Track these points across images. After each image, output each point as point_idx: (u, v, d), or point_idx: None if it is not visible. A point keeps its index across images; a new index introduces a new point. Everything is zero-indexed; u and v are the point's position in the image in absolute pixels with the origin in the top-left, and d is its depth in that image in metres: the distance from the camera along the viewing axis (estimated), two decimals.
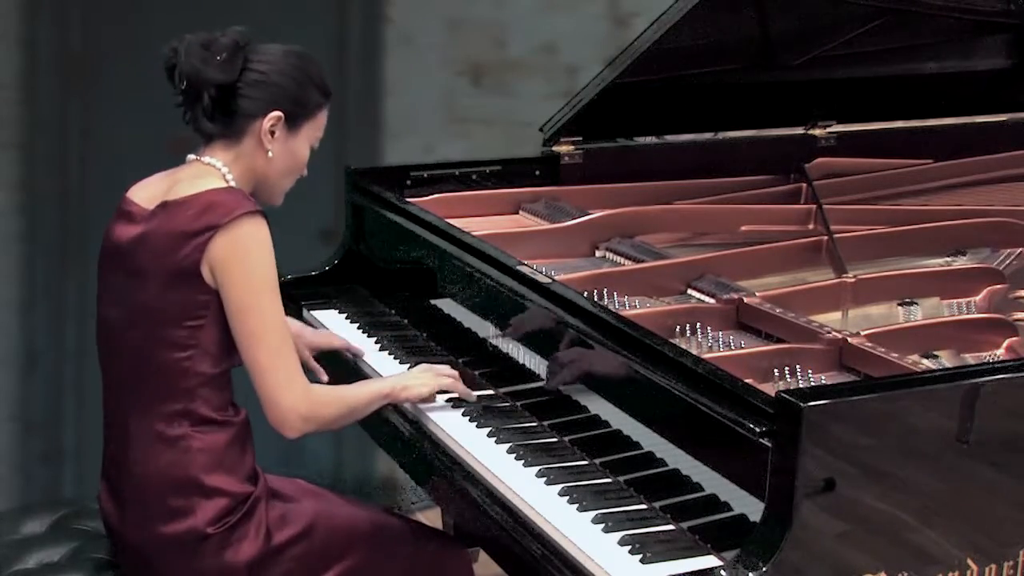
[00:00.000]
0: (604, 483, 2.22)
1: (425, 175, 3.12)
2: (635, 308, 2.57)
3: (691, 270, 2.73)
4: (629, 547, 2.02)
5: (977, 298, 2.78)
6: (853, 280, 2.71)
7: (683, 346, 2.26)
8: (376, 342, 2.81)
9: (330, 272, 3.09)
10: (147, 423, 2.28)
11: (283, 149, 2.37)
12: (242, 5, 3.57)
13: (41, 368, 3.65)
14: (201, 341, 2.26)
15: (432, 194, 3.05)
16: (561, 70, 4.03)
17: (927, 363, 2.38)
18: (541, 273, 2.49)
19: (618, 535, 2.05)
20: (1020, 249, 2.99)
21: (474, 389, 2.53)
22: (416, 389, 2.47)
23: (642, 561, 1.99)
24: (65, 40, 3.57)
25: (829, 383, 2.28)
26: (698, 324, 2.51)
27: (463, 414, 2.47)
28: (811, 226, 3.10)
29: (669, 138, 3.38)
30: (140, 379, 2.29)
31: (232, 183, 2.33)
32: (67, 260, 3.61)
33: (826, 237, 2.93)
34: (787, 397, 1.87)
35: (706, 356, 2.24)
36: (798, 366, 2.32)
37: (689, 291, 2.70)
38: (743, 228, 3.07)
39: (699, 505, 2.07)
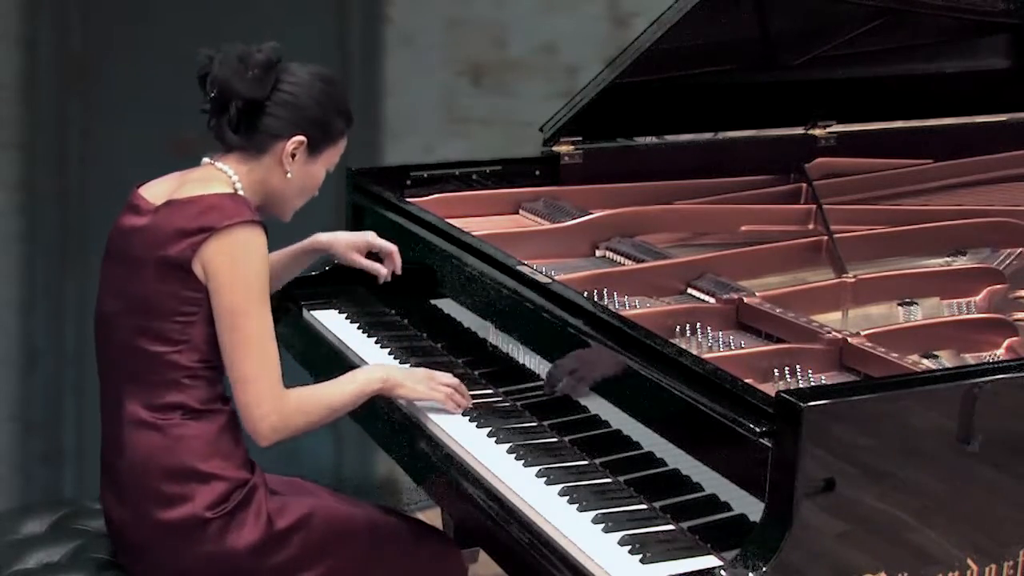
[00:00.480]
0: (604, 483, 2.22)
1: (425, 175, 3.12)
2: (635, 308, 2.57)
3: (691, 270, 2.73)
4: (629, 547, 2.02)
5: (977, 298, 2.78)
6: (853, 280, 2.71)
7: (683, 346, 2.26)
8: (376, 342, 2.81)
9: (330, 272, 3.09)
10: (139, 412, 2.30)
11: (301, 171, 2.40)
12: (243, 5, 3.58)
13: (41, 368, 3.65)
14: (192, 337, 2.28)
15: (432, 194, 3.05)
16: (561, 70, 4.03)
17: (927, 363, 2.38)
18: (541, 273, 2.49)
19: (618, 535, 2.05)
20: (1020, 249, 2.99)
21: (473, 389, 2.53)
22: (408, 391, 2.46)
23: (642, 561, 1.99)
24: (65, 40, 3.57)
25: (829, 383, 2.28)
26: (698, 324, 2.51)
27: (463, 414, 2.47)
28: (811, 226, 3.10)
29: (669, 138, 3.38)
30: (132, 369, 2.32)
31: (240, 192, 2.34)
32: (67, 260, 3.61)
33: (826, 237, 2.93)
34: (787, 397, 1.87)
35: (706, 356, 2.24)
36: (798, 366, 2.32)
37: (689, 291, 2.70)
38: (743, 228, 3.07)
39: (699, 505, 2.07)
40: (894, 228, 3.04)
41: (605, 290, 2.62)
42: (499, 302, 2.55)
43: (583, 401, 2.35)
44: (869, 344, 2.35)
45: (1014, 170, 3.48)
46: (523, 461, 2.29)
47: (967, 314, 2.71)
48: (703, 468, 2.06)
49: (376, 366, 2.58)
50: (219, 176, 2.35)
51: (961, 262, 2.95)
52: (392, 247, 2.76)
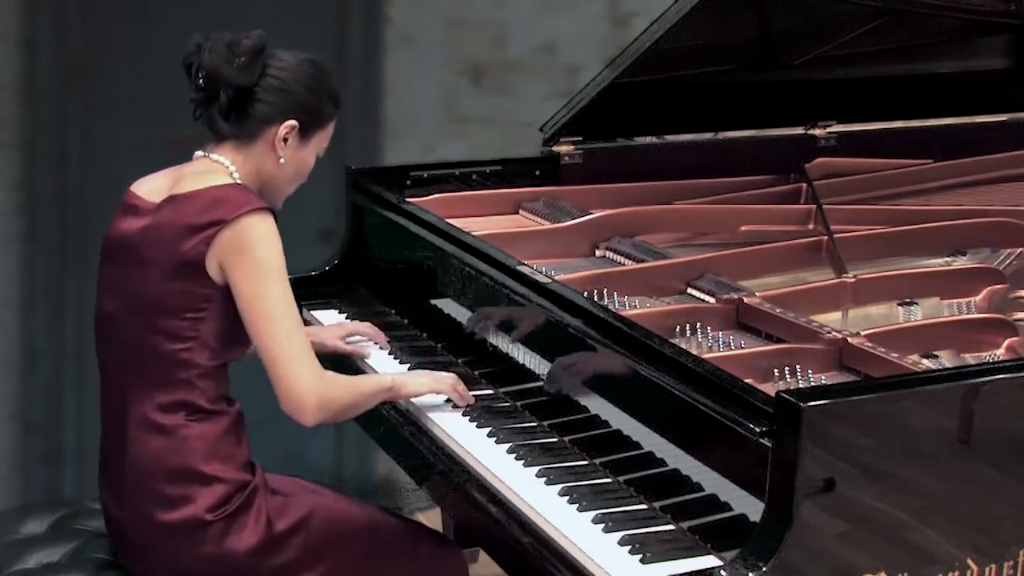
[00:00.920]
0: (604, 483, 2.22)
1: (425, 175, 3.12)
2: (635, 308, 2.57)
3: (691, 270, 2.73)
4: (629, 547, 2.02)
5: (977, 298, 2.78)
6: (853, 280, 2.71)
7: (683, 346, 2.26)
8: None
9: (330, 272, 3.09)
10: (143, 411, 2.29)
11: (293, 156, 2.40)
12: (242, 5, 3.58)
13: (41, 368, 3.65)
14: (201, 333, 2.27)
15: (432, 194, 3.05)
16: (561, 70, 4.03)
17: (927, 363, 2.38)
18: (541, 273, 2.49)
19: (618, 535, 2.05)
20: (1020, 249, 2.99)
21: (473, 389, 2.53)
22: (414, 386, 2.48)
23: (642, 561, 1.99)
24: (65, 40, 3.57)
25: (829, 383, 2.28)
26: (698, 324, 2.51)
27: (463, 414, 2.47)
28: (811, 226, 3.10)
29: (669, 138, 3.38)
30: (138, 368, 2.31)
31: (239, 181, 2.35)
32: (67, 260, 3.61)
33: (826, 237, 2.93)
34: (787, 397, 1.87)
35: (706, 356, 2.24)
36: (798, 366, 2.32)
37: (689, 291, 2.70)
38: (743, 228, 3.07)
39: (699, 505, 2.07)
40: (894, 228, 3.04)
41: (605, 290, 2.62)
42: (499, 302, 2.55)
43: (583, 401, 2.35)
44: (869, 344, 2.35)
45: (1014, 170, 3.48)
46: (523, 461, 2.29)
47: (967, 314, 2.71)
48: (703, 468, 2.06)
49: (383, 373, 2.58)
50: (216, 168, 2.35)
51: (961, 262, 2.95)
52: (374, 331, 2.78)
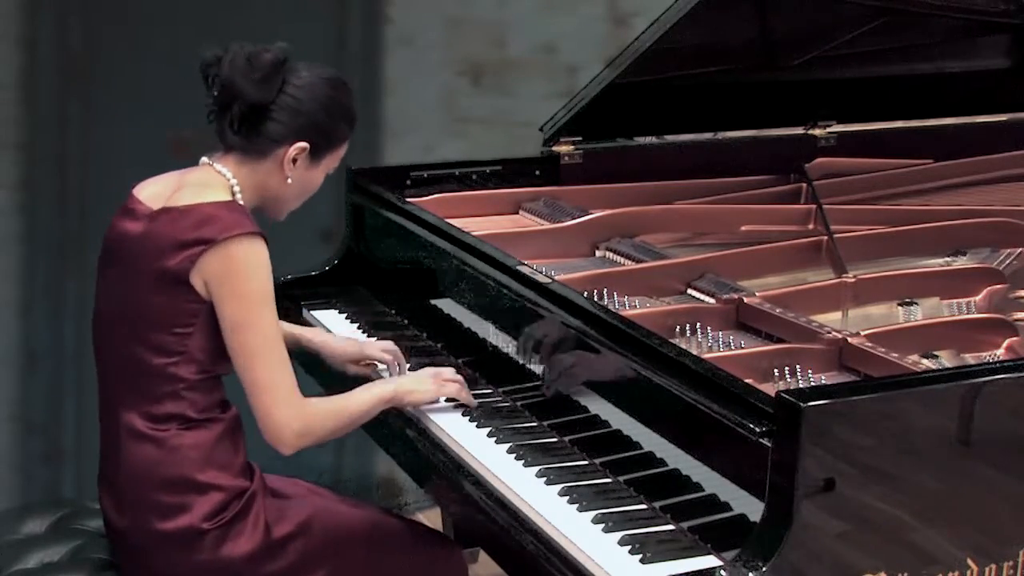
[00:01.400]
0: (604, 483, 2.22)
1: (425, 175, 3.12)
2: (635, 308, 2.57)
3: (691, 270, 2.73)
4: (629, 547, 2.02)
5: (977, 298, 2.78)
6: (853, 280, 2.71)
7: (683, 346, 2.26)
8: (377, 342, 2.81)
9: (330, 272, 3.09)
10: (135, 422, 2.28)
11: (301, 176, 2.37)
12: (243, 5, 3.58)
13: (41, 368, 3.65)
14: (188, 348, 2.25)
15: (432, 194, 3.05)
16: (561, 70, 4.03)
17: (927, 363, 2.38)
18: (541, 273, 2.49)
19: (618, 535, 2.05)
20: (1020, 249, 2.99)
21: (474, 389, 2.53)
22: (420, 395, 2.46)
23: (642, 561, 1.99)
24: (65, 40, 3.57)
25: (829, 383, 2.28)
26: (698, 324, 2.51)
27: (463, 414, 2.47)
28: (811, 226, 3.10)
29: (669, 138, 3.38)
30: (128, 378, 2.30)
31: (238, 195, 2.32)
32: (67, 260, 3.61)
33: (826, 237, 2.93)
34: (787, 397, 1.87)
35: (706, 356, 2.24)
36: (798, 366, 2.32)
37: (689, 291, 2.70)
38: (743, 228, 3.07)
39: (699, 505, 2.07)
40: (894, 228, 3.04)
41: (605, 290, 2.62)
42: (499, 302, 2.55)
43: (583, 401, 2.35)
44: (869, 344, 2.35)
45: (1014, 170, 3.48)
46: (523, 461, 2.29)
47: (967, 314, 2.72)
48: (703, 468, 2.06)
49: (386, 379, 2.55)
50: (217, 180, 2.32)
51: (961, 262, 2.95)
52: (389, 358, 2.64)
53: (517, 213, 3.10)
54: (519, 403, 2.50)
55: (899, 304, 2.72)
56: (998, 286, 2.81)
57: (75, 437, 3.66)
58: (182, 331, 2.25)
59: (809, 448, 1.85)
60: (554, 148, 3.19)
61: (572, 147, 3.20)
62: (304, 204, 2.48)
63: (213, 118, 2.33)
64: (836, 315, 2.66)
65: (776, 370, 2.31)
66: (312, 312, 2.98)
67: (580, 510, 2.13)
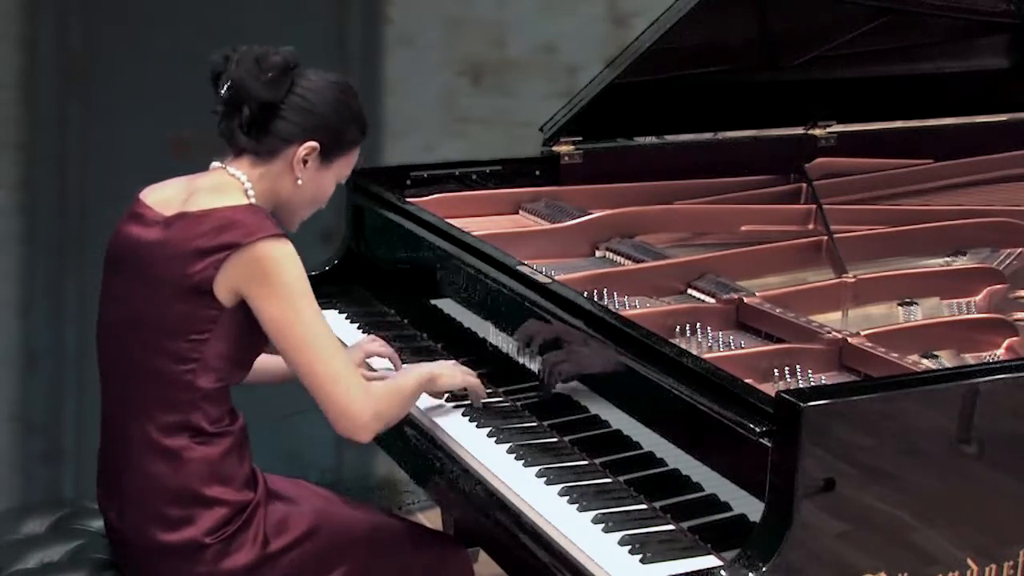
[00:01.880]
0: (604, 483, 2.22)
1: (425, 175, 3.12)
2: (635, 308, 2.57)
3: (691, 270, 2.73)
4: (629, 547, 2.02)
5: (977, 298, 2.78)
6: (853, 280, 2.71)
7: (683, 346, 2.26)
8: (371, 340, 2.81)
9: (330, 272, 3.09)
10: (146, 432, 2.26)
11: (312, 179, 2.35)
12: (243, 5, 3.58)
13: (41, 368, 3.65)
14: (204, 355, 2.23)
15: (432, 194, 3.05)
16: (561, 70, 4.03)
17: (927, 363, 2.38)
18: (541, 273, 2.49)
19: (618, 535, 2.05)
20: (1020, 249, 2.99)
21: None
22: (448, 379, 2.46)
23: (642, 561, 1.99)
24: (65, 40, 3.57)
25: (829, 383, 2.28)
26: (698, 324, 2.51)
27: (463, 414, 2.47)
28: (811, 226, 3.10)
29: (669, 138, 3.38)
30: (140, 387, 2.28)
31: (253, 199, 2.30)
32: (67, 260, 3.61)
33: (826, 237, 2.93)
34: (787, 397, 1.87)
35: (706, 356, 2.24)
36: (798, 366, 2.32)
37: (689, 291, 2.70)
38: (743, 228, 3.07)
39: (699, 505, 2.07)
40: (894, 228, 3.04)
41: (605, 290, 2.62)
42: (499, 302, 2.55)
43: (583, 401, 2.35)
44: (869, 344, 2.35)
45: (1014, 170, 3.48)
46: (523, 461, 2.29)
47: (967, 314, 2.72)
48: (703, 468, 2.06)
49: (416, 364, 2.53)
50: (232, 184, 2.30)
51: (961, 262, 2.95)
52: (389, 352, 2.65)
53: (517, 213, 3.10)
54: (519, 403, 2.50)
55: (899, 304, 2.73)
56: (998, 286, 2.81)
57: (75, 437, 3.66)
58: (197, 338, 2.23)
59: (809, 448, 1.85)
60: (554, 148, 3.19)
61: (572, 147, 3.20)
62: None
63: (221, 121, 2.31)
64: (836, 315, 2.66)
65: (776, 370, 2.32)
66: None
67: (580, 510, 2.13)
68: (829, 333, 2.41)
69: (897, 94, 3.49)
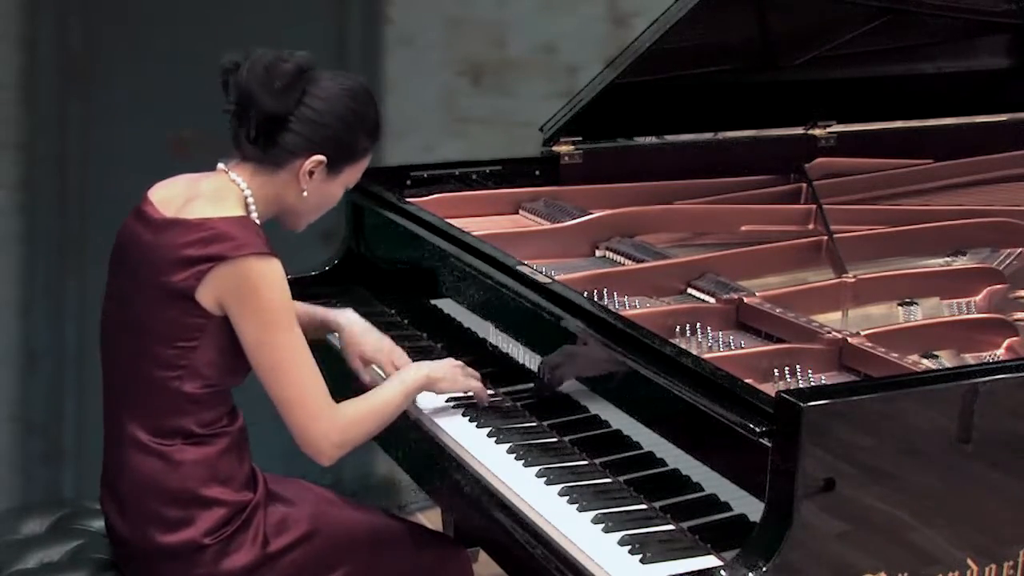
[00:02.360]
0: (604, 483, 2.22)
1: (425, 175, 3.12)
2: (635, 308, 2.57)
3: (691, 270, 2.73)
4: (629, 547, 2.02)
5: (977, 298, 2.78)
6: (853, 280, 2.71)
7: (683, 346, 2.26)
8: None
9: (330, 272, 3.09)
10: (138, 433, 2.26)
11: (318, 189, 2.33)
12: (243, 5, 3.58)
13: (41, 368, 3.65)
14: (192, 362, 2.23)
15: (432, 194, 3.05)
16: (561, 70, 4.03)
17: (927, 363, 2.38)
18: (541, 273, 2.49)
19: (618, 535, 2.05)
20: (1020, 249, 2.99)
21: None
22: (448, 383, 2.45)
23: (642, 561, 1.99)
24: (65, 40, 3.57)
25: (829, 383, 2.28)
26: (698, 324, 2.51)
27: (463, 414, 2.47)
28: (811, 226, 3.10)
29: (669, 138, 3.38)
30: (132, 390, 2.28)
31: (252, 208, 2.29)
32: (67, 260, 3.61)
33: (826, 237, 2.93)
34: (787, 397, 1.87)
35: (706, 356, 2.24)
36: (798, 366, 2.32)
37: (689, 291, 2.70)
38: (743, 228, 3.07)
39: (699, 505, 2.07)
40: (894, 228, 3.04)
41: (605, 290, 2.62)
42: (499, 302, 2.55)
43: (583, 401, 2.35)
44: (869, 344, 2.35)
45: (1014, 170, 3.48)
46: (523, 461, 2.29)
47: (967, 314, 2.72)
48: (703, 468, 2.06)
49: (415, 365, 2.49)
50: (231, 191, 2.28)
51: (961, 262, 2.95)
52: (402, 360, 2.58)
53: (517, 213, 3.10)
54: (519, 403, 2.50)
55: (899, 304, 2.73)
56: (998, 286, 2.81)
57: (75, 437, 3.66)
58: (185, 345, 2.22)
59: (809, 448, 1.85)
60: (554, 148, 3.19)
61: (572, 147, 3.19)
62: None
63: (230, 122, 2.28)
64: (836, 315, 2.66)
65: (776, 370, 2.31)
66: None
67: (580, 510, 2.13)
68: (829, 333, 2.41)
69: (897, 94, 3.49)
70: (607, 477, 2.24)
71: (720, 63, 3.27)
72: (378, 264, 3.07)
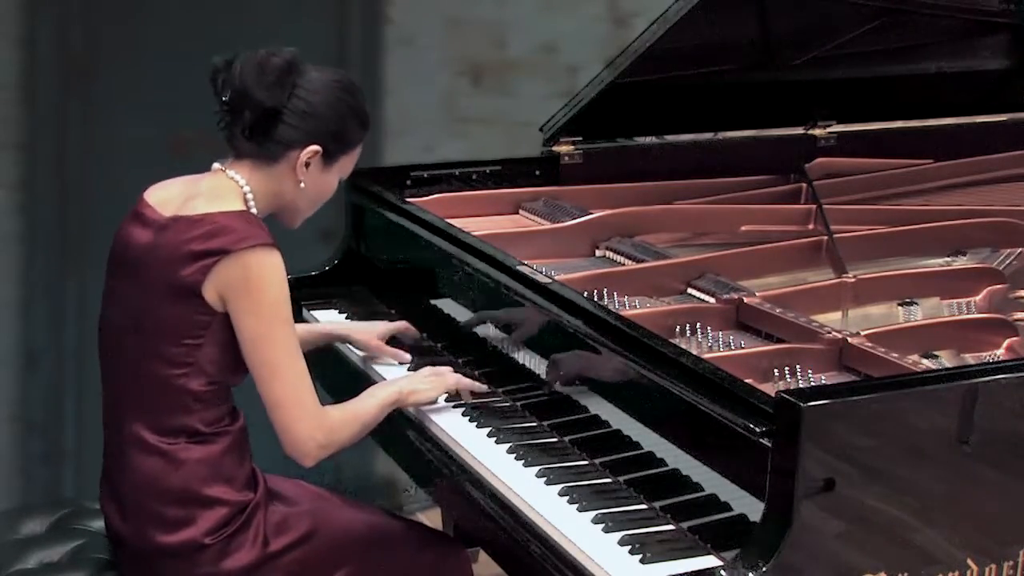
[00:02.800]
0: (604, 483, 2.22)
1: (425, 175, 3.12)
2: (635, 308, 2.57)
3: (691, 270, 2.73)
4: (629, 547, 2.02)
5: (977, 298, 2.78)
6: (853, 280, 2.71)
7: (683, 346, 2.26)
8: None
9: (330, 272, 3.09)
10: (142, 433, 2.27)
11: (315, 180, 2.35)
12: (243, 5, 3.58)
13: (41, 368, 3.65)
14: (198, 360, 2.24)
15: (432, 194, 3.05)
16: (561, 70, 4.03)
17: (927, 363, 2.38)
18: (541, 273, 2.49)
19: (618, 535, 2.05)
20: (1020, 249, 2.99)
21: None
22: (424, 393, 2.46)
23: (642, 561, 1.99)
24: (65, 40, 3.57)
25: (829, 383, 2.28)
26: (698, 324, 2.51)
27: (463, 414, 2.47)
28: (811, 226, 3.11)
29: (669, 138, 3.38)
30: (136, 389, 2.28)
31: (252, 204, 2.30)
32: (67, 260, 3.61)
33: (826, 237, 2.93)
34: (787, 397, 1.87)
35: (706, 356, 2.24)
36: (798, 366, 2.32)
37: (689, 291, 2.70)
38: (743, 228, 3.07)
39: (699, 505, 2.07)
40: (894, 228, 3.04)
41: (605, 290, 2.62)
42: (499, 302, 2.55)
43: (583, 401, 2.35)
44: (869, 344, 2.35)
45: (1014, 170, 3.48)
46: (523, 461, 2.29)
47: (967, 314, 2.72)
48: (703, 468, 2.06)
49: (388, 381, 2.53)
50: (231, 188, 2.29)
51: (961, 262, 2.95)
52: (402, 324, 2.78)
53: (517, 213, 3.10)
54: (519, 403, 2.50)
55: (899, 304, 2.73)
56: (998, 286, 2.81)
57: (75, 437, 3.66)
58: (192, 342, 2.23)
59: (809, 448, 1.85)
60: (554, 148, 3.19)
61: (572, 147, 3.20)
62: None
63: (223, 124, 2.30)
64: (836, 315, 2.66)
65: (776, 370, 2.31)
66: (312, 312, 2.98)
67: (580, 510, 2.13)
68: (829, 333, 2.41)
69: (897, 94, 3.49)
70: (607, 477, 2.24)
71: (720, 63, 3.27)
72: (378, 264, 3.07)
